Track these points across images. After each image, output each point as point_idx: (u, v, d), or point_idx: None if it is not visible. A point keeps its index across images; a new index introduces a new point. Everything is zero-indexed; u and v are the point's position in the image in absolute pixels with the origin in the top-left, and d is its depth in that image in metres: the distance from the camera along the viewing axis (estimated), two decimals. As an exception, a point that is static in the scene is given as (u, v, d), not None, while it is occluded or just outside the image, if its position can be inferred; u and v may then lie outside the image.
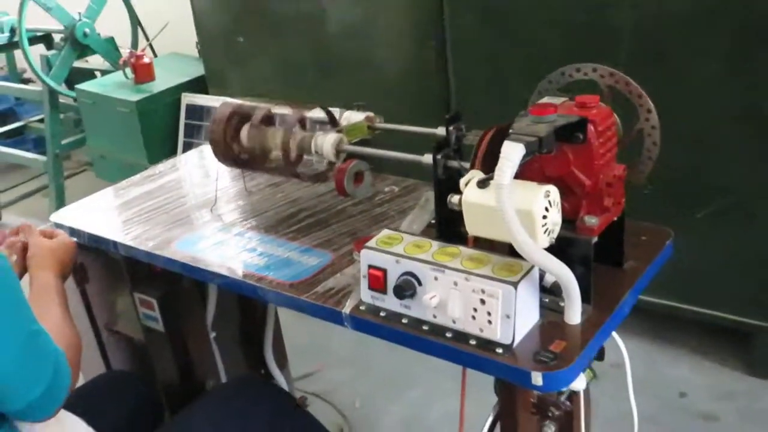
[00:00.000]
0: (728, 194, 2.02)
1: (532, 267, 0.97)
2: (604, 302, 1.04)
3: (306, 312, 1.16)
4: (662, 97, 2.05)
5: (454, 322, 1.00)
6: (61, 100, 3.65)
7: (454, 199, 1.02)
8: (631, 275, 1.10)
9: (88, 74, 3.65)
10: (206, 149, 1.72)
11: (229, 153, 1.40)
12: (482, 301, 0.96)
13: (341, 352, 2.50)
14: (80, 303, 1.60)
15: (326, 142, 1.31)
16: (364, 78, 2.54)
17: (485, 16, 2.19)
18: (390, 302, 1.05)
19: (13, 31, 3.78)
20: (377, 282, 1.06)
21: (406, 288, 1.02)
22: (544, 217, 0.93)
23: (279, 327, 1.85)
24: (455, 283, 0.98)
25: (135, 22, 3.65)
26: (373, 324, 1.07)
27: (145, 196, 1.60)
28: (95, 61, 3.77)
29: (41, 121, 3.89)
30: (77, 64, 3.61)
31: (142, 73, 3.27)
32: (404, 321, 1.04)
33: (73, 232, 1.48)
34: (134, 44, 3.64)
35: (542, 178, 0.99)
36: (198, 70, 3.20)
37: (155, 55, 3.62)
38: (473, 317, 0.97)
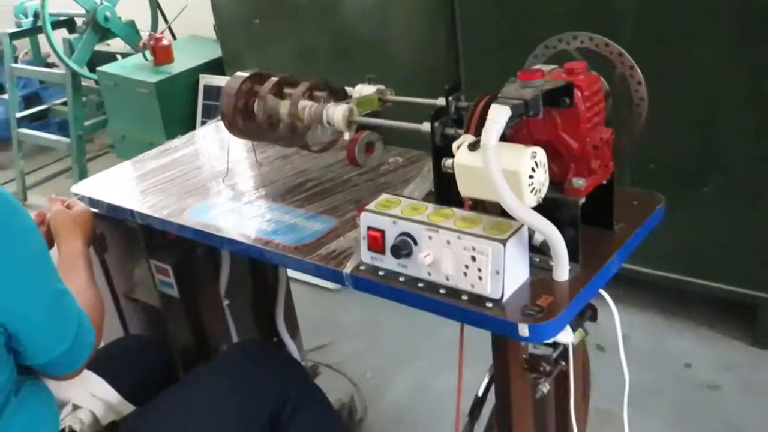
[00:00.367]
0: (733, 171, 2.05)
1: (521, 226, 1.02)
2: (592, 262, 1.08)
3: (309, 273, 1.22)
4: (666, 79, 2.09)
5: (447, 279, 1.05)
6: (84, 83, 3.75)
7: (448, 162, 1.07)
8: (620, 237, 1.14)
9: (110, 57, 3.74)
10: (222, 125, 1.78)
11: (239, 124, 1.45)
12: (473, 258, 1.01)
13: (352, 327, 2.57)
14: (100, 272, 1.68)
15: (337, 112, 1.35)
16: (377, 60, 2.59)
17: (494, -3, 2.24)
18: (388, 262, 1.11)
19: (36, 15, 3.88)
20: (376, 243, 1.11)
21: (403, 248, 1.07)
22: (531, 177, 0.98)
23: (290, 296, 1.91)
24: (448, 242, 1.04)
25: (154, 5, 3.73)
26: (372, 282, 1.13)
27: (161, 168, 1.67)
28: (116, 45, 3.86)
29: (64, 104, 3.98)
30: (99, 47, 3.70)
31: (162, 55, 3.35)
32: (401, 279, 1.10)
33: (92, 202, 1.56)
34: (153, 27, 3.72)
35: (532, 143, 1.03)
36: (215, 52, 3.27)
37: (174, 38, 3.70)
38: (465, 274, 1.03)
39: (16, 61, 4.18)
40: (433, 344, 2.29)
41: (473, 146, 1.01)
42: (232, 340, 1.79)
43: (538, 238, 1.06)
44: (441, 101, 1.27)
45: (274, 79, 1.43)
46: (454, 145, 1.05)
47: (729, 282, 2.15)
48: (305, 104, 1.39)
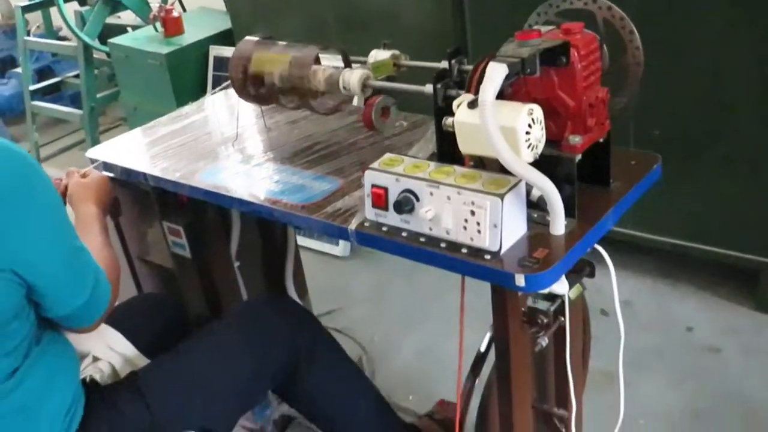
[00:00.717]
0: (737, 137, 2.07)
1: (519, 182, 1.06)
2: (588, 217, 1.12)
3: (315, 230, 1.27)
4: (671, 44, 2.10)
5: (447, 233, 1.09)
6: (95, 55, 3.79)
7: (448, 121, 1.11)
8: (616, 194, 1.18)
9: (120, 30, 3.77)
10: (232, 92, 1.82)
11: (248, 88, 1.49)
12: (472, 213, 1.05)
13: (360, 293, 2.62)
14: (115, 235, 1.73)
15: (354, 77, 1.38)
16: (386, 30, 2.61)
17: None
18: (391, 218, 1.15)
19: (48, -12, 3.91)
20: (379, 200, 1.15)
21: (405, 204, 1.12)
22: (527, 133, 1.01)
23: (299, 259, 1.96)
24: (448, 198, 1.08)
25: (164, -23, 3.75)
26: (375, 238, 1.17)
27: (172, 134, 1.71)
28: (127, 17, 3.89)
29: (77, 77, 4.03)
30: (110, 20, 3.73)
31: (172, 27, 3.38)
32: (404, 234, 1.14)
33: (107, 166, 1.60)
34: (164, -1, 3.75)
35: (530, 101, 1.07)
36: (225, 23, 3.29)
37: (184, 10, 3.73)
38: (464, 228, 1.07)
39: (28, 35, 4.23)
40: (439, 309, 2.34)
41: (472, 104, 1.04)
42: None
43: (536, 193, 1.10)
44: (444, 64, 1.31)
45: (282, 43, 1.46)
46: (455, 103, 1.09)
47: (732, 247, 2.18)
48: (317, 68, 1.42)
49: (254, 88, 1.49)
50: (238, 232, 1.75)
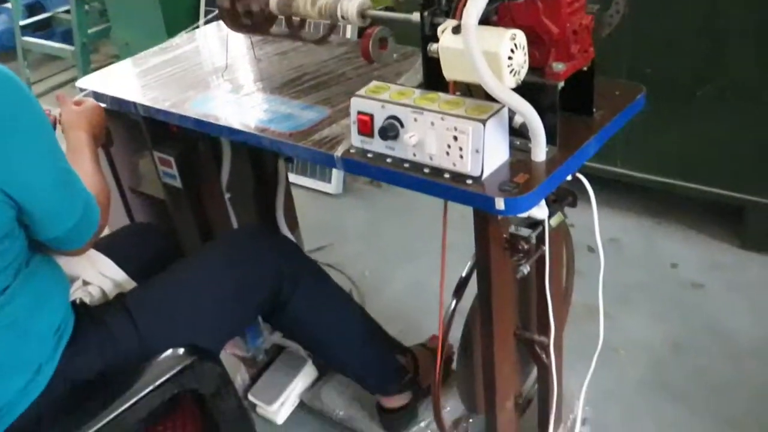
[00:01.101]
0: (728, 76, 2.07)
1: (501, 108, 1.07)
2: (569, 144, 1.13)
3: (302, 157, 1.29)
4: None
5: (431, 158, 1.11)
6: (86, -10, 3.74)
7: (433, 47, 1.12)
8: (598, 122, 1.19)
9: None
10: (222, 23, 1.81)
11: (237, 18, 1.49)
12: (455, 138, 1.07)
13: (352, 231, 2.65)
14: (106, 165, 1.75)
15: (352, 6, 1.37)
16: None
17: None
18: (376, 144, 1.17)
19: None
20: (365, 126, 1.17)
21: (390, 130, 1.13)
22: (510, 58, 1.02)
23: (290, 193, 1.98)
24: (432, 123, 1.09)
25: None
26: (361, 164, 1.19)
27: (163, 64, 1.71)
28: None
29: (67, 12, 3.98)
30: (100, -47, 3.67)
31: (163, -40, 3.33)
32: (388, 160, 1.16)
33: (96, 95, 1.61)
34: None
35: (514, 27, 1.07)
36: (217, -43, 3.24)
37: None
38: (447, 153, 1.09)
39: (17, -31, 4.16)
40: (430, 247, 2.35)
41: (456, 29, 1.05)
42: (234, 233, 1.86)
43: (518, 120, 1.11)
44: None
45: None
46: (439, 29, 1.09)
47: (718, 185, 2.21)
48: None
49: (244, 18, 1.48)
50: (229, 164, 1.77)
